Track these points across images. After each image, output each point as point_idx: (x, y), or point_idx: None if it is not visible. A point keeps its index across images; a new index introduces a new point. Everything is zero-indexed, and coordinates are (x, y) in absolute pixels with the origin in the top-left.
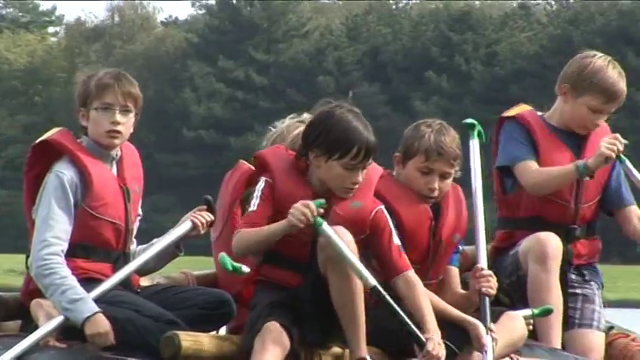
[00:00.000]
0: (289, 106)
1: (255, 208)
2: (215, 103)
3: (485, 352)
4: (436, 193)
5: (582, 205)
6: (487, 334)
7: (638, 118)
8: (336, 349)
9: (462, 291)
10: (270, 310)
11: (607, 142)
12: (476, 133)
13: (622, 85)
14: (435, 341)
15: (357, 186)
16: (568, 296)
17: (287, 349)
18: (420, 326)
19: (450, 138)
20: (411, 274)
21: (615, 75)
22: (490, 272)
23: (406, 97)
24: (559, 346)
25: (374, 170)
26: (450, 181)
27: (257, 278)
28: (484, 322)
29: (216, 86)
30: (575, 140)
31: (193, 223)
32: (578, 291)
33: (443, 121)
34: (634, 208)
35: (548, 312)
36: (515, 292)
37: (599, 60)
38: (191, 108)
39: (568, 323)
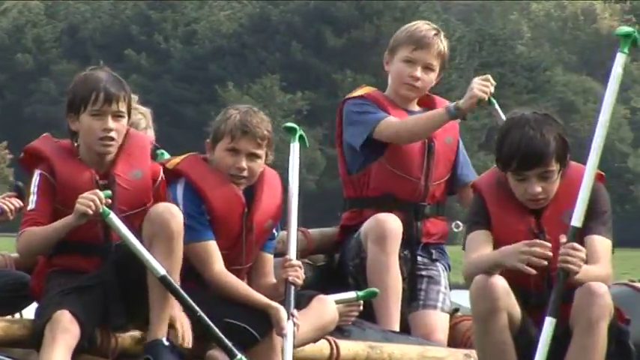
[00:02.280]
0: None
1: (34, 206)
2: None
3: (286, 336)
4: (245, 173)
5: (432, 183)
6: (289, 319)
7: (337, 97)
8: (135, 333)
9: (274, 280)
10: (60, 298)
11: (479, 83)
12: (297, 137)
13: (431, 34)
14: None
15: (112, 134)
16: (415, 277)
17: (77, 336)
18: None
19: (257, 119)
20: None
21: (424, 27)
22: (299, 263)
23: None
24: (396, 328)
25: (143, 138)
26: (260, 162)
27: (49, 271)
28: (288, 308)
29: None
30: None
31: (1, 208)
32: (423, 272)
33: (252, 106)
34: None
35: (372, 294)
36: (359, 274)
37: (413, 23)
38: None
39: (413, 305)
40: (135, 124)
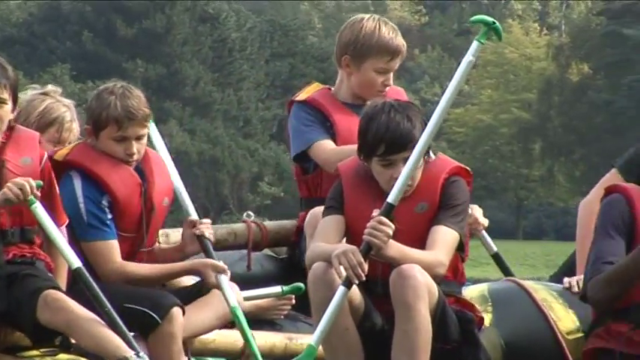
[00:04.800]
0: None
1: None
2: None
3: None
4: (136, 157)
5: None
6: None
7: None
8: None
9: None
10: None
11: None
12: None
13: (399, 39)
14: None
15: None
16: None
17: None
18: None
19: (137, 100)
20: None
21: (390, 31)
22: (208, 220)
23: None
24: None
25: (32, 132)
26: (145, 140)
27: None
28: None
29: None
30: None
31: None
32: None
33: (123, 82)
34: None
35: (298, 290)
36: None
37: (369, 22)
38: None
39: None
40: (60, 117)
